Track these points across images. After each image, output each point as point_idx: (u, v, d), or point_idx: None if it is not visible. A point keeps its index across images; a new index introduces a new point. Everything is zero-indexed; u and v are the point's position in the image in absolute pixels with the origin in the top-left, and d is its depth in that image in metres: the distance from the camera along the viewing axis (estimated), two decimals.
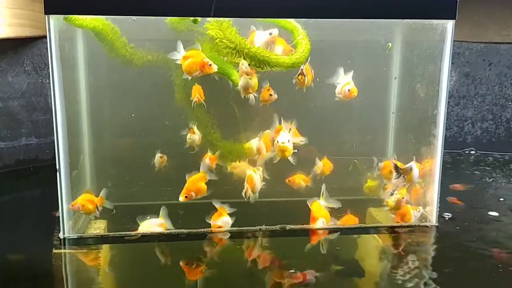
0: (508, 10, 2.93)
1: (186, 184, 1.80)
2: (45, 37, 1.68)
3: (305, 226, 1.87)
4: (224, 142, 2.00)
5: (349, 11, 1.74)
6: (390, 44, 2.00)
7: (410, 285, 1.50)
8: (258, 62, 1.79)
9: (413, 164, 1.85)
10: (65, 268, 1.63)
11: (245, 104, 1.88)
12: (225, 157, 1.98)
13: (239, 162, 1.97)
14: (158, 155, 1.99)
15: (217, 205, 1.81)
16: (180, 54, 1.78)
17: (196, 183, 1.80)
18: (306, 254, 1.77)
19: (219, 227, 1.81)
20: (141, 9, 1.67)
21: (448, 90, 1.88)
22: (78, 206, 1.78)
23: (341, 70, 1.90)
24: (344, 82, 1.88)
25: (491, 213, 2.08)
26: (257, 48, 1.78)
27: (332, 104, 1.97)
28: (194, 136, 1.95)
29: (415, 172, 1.85)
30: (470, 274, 1.63)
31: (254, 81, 1.76)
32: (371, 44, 2.01)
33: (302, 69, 1.83)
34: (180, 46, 1.77)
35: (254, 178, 1.85)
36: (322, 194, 1.90)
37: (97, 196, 1.83)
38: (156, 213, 1.82)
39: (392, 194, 1.89)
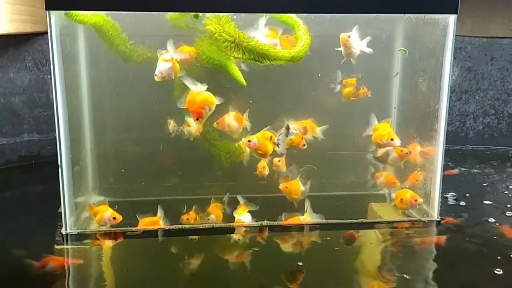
0: (511, 4, 2.92)
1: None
2: (46, 32, 1.68)
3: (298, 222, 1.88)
4: (222, 141, 2.00)
5: (350, 6, 1.73)
6: (406, 50, 2.00)
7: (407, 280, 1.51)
8: (257, 56, 1.79)
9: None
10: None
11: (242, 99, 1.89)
12: (225, 158, 2.00)
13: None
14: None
15: (241, 202, 1.89)
16: None
17: None
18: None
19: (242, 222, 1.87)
20: (141, 5, 1.67)
21: (450, 85, 1.87)
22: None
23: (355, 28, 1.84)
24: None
25: None
26: (256, 41, 1.78)
27: (334, 98, 1.96)
28: (190, 128, 1.97)
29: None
30: None
31: None
32: (373, 39, 2.00)
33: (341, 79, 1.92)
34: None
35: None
36: (306, 211, 1.87)
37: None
38: (155, 209, 1.83)
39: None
